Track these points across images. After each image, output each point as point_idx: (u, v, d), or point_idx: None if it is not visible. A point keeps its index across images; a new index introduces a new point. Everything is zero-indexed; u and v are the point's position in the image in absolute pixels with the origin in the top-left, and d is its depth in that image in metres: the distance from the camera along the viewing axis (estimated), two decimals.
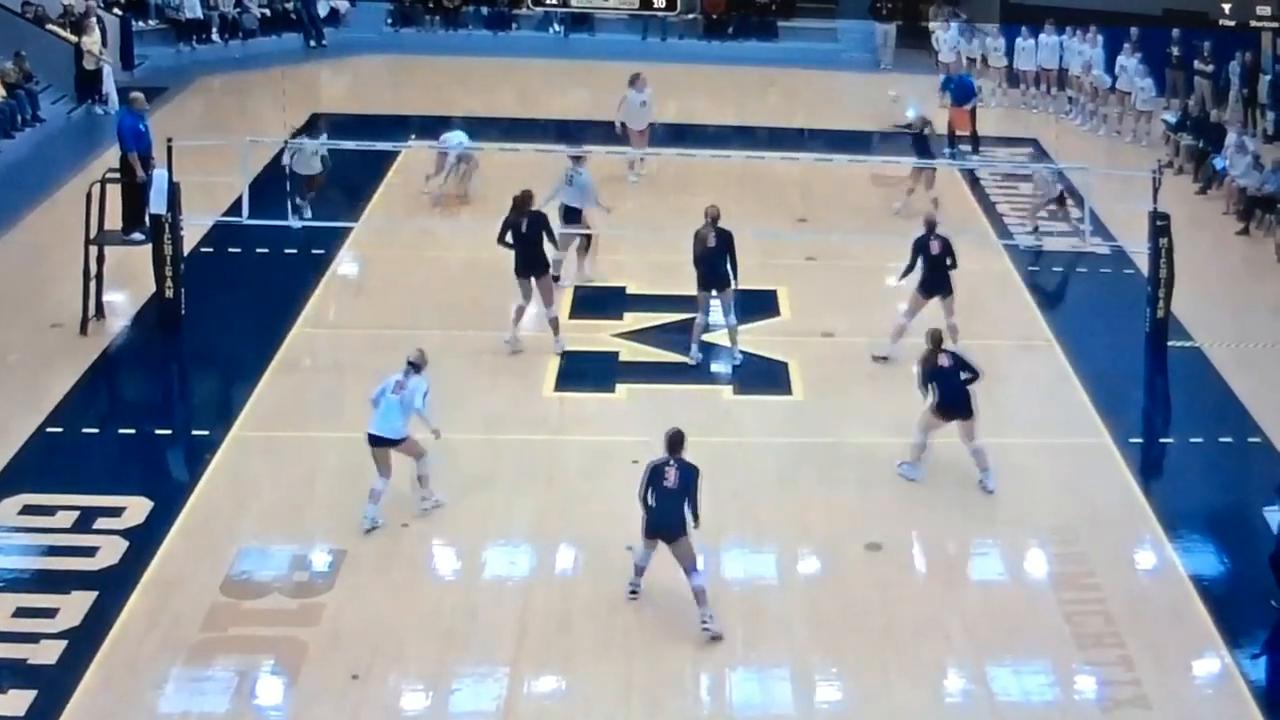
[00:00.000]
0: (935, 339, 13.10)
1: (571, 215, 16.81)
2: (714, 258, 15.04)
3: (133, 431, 13.80)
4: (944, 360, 12.91)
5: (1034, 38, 25.86)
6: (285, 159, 18.24)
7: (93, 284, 15.66)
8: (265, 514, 12.39)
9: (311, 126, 20.12)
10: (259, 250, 17.50)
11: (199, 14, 27.60)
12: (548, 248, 15.26)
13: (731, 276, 15.04)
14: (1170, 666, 10.83)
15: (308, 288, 16.99)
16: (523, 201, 15.18)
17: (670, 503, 10.87)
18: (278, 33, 28.61)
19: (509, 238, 15.11)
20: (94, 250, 15.70)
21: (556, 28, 29.47)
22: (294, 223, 17.45)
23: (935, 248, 15.22)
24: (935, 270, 15.18)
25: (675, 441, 11.08)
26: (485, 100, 25.48)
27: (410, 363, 12.28)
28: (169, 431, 14.01)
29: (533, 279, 15.08)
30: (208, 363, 15.54)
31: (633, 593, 11.27)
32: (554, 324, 15.29)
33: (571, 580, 11.70)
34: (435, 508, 12.40)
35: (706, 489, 12.62)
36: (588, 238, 17.06)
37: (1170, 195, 17.32)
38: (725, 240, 15.07)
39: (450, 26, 29.67)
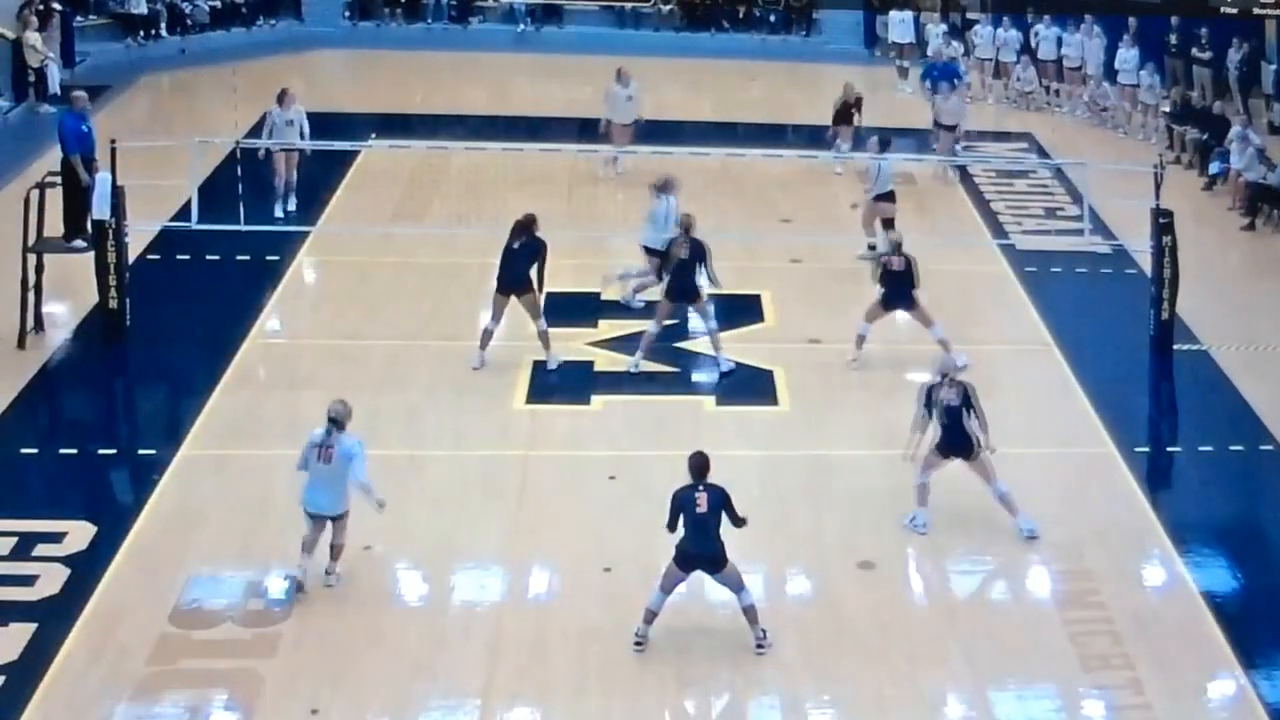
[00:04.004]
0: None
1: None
2: (687, 269, 15.12)
3: (74, 451, 13.64)
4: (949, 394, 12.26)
5: (1022, 29, 26.06)
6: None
7: (31, 294, 15.49)
8: (217, 538, 12.22)
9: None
10: (209, 257, 17.35)
11: (144, 9, 27.44)
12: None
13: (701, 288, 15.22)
14: (1182, 689, 10.77)
15: (262, 296, 16.87)
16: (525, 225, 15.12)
17: (705, 530, 10.77)
18: (228, 27, 28.50)
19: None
20: (32, 258, 15.54)
21: (524, 26, 29.41)
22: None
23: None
24: None
25: (700, 466, 10.93)
26: (450, 97, 25.40)
27: (331, 419, 11.23)
28: (113, 451, 13.86)
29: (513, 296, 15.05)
30: (155, 377, 15.39)
31: (639, 644, 10.86)
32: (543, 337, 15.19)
33: (545, 605, 11.59)
34: (334, 583, 11.48)
35: None
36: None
37: (1175, 190, 17.35)
38: (699, 251, 15.13)
39: (410, 19, 29.62)
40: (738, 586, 10.92)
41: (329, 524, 11.48)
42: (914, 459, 12.42)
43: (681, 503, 10.84)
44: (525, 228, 15.18)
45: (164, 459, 13.36)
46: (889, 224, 17.47)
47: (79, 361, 15.52)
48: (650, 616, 10.91)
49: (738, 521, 10.90)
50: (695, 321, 16.10)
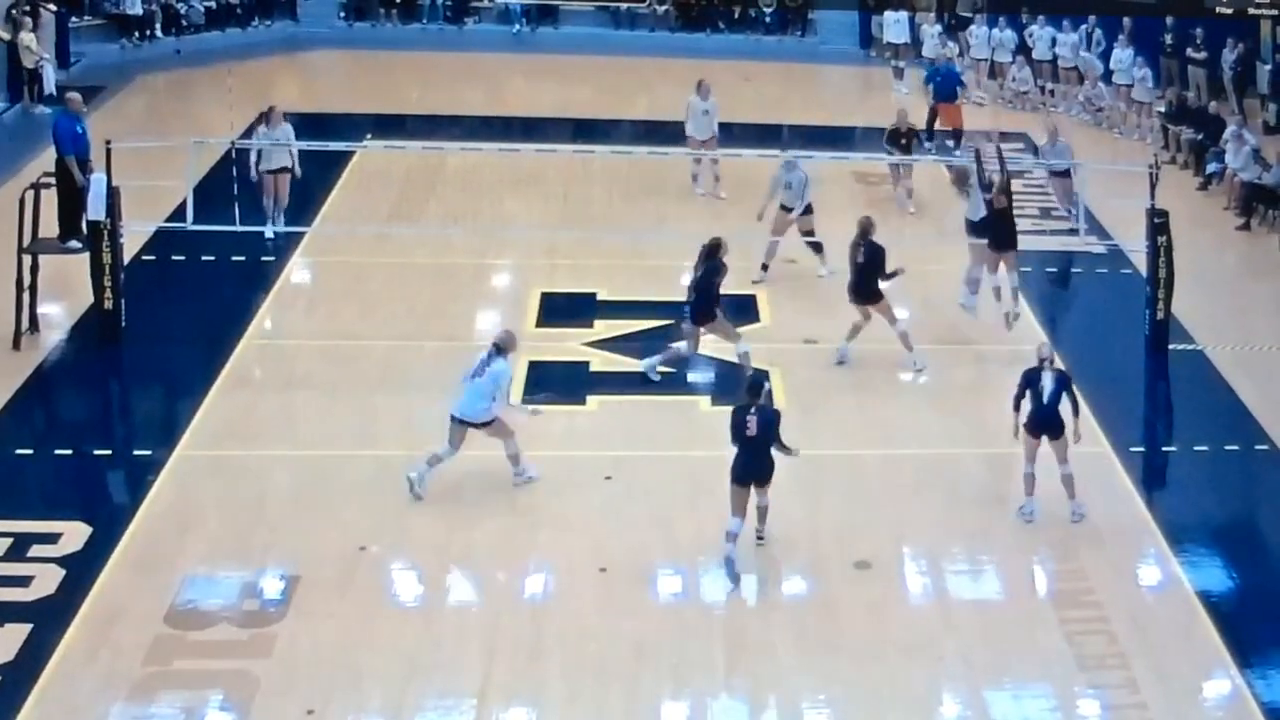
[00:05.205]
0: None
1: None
2: (865, 272, 15.22)
3: (70, 452, 13.60)
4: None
5: (1017, 30, 26.12)
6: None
7: (26, 295, 15.43)
8: (212, 539, 12.20)
9: None
10: (204, 258, 17.32)
11: (139, 10, 27.41)
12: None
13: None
14: (1178, 688, 10.77)
15: (257, 297, 16.83)
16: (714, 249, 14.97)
17: (754, 451, 11.76)
18: (223, 28, 28.49)
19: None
20: (28, 259, 15.48)
21: (519, 26, 29.41)
22: None
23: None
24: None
25: (755, 387, 12.02)
26: (446, 98, 25.39)
27: (495, 344, 12.64)
28: (109, 452, 13.81)
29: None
30: (150, 378, 15.33)
31: (730, 566, 11.71)
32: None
33: (541, 605, 11.57)
34: (528, 482, 12.88)
35: (684, 505, 12.69)
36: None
37: (1171, 190, 17.37)
38: (876, 255, 15.24)
39: (406, 20, 29.61)
40: (766, 500, 12.00)
41: (469, 431, 12.63)
42: (1017, 436, 12.74)
43: (735, 423, 11.83)
44: (711, 252, 14.91)
45: (159, 460, 13.32)
46: (809, 234, 17.25)
47: (74, 362, 15.47)
48: (732, 538, 11.74)
49: (784, 449, 11.84)
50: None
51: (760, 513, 12.00)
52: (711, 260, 14.89)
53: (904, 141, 20.01)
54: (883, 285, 15.31)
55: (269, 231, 17.97)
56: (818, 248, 17.49)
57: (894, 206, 19.61)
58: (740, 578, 11.70)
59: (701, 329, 14.88)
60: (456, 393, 12.67)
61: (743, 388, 12.29)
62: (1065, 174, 19.33)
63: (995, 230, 15.90)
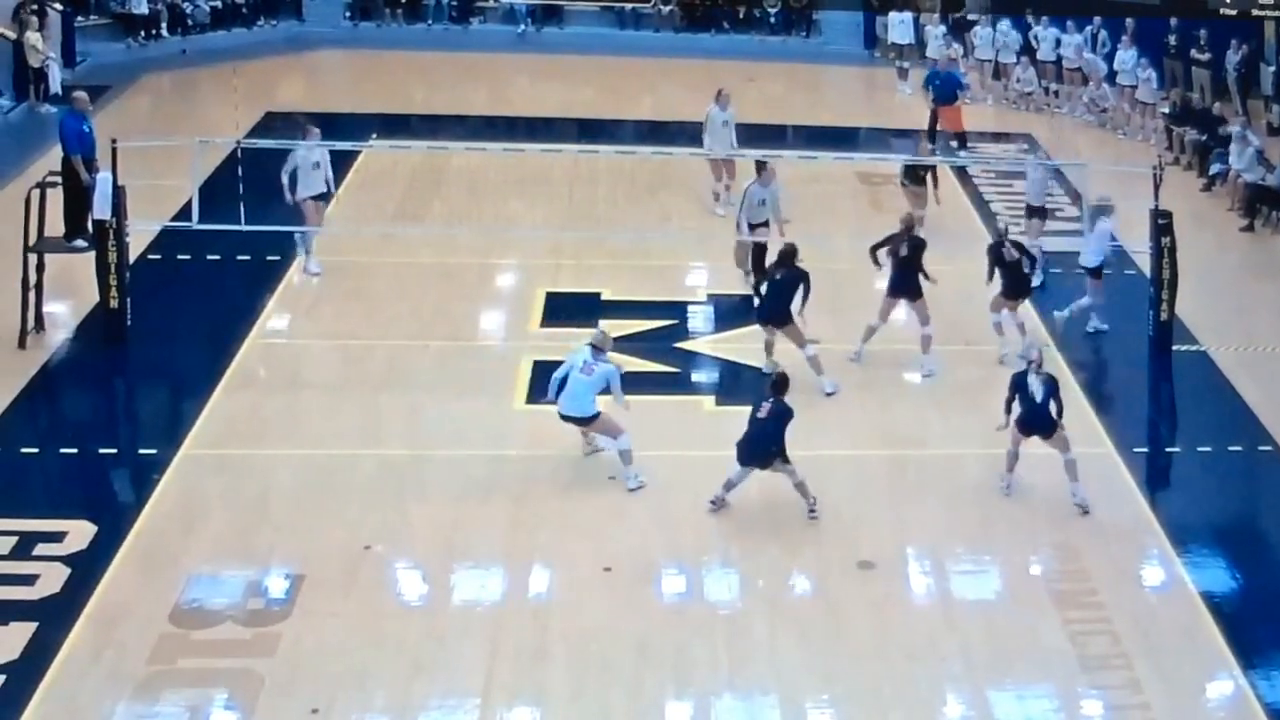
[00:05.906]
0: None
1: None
2: (908, 267, 15.34)
3: (75, 451, 13.61)
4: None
5: (1022, 31, 26.12)
6: None
7: (32, 294, 15.44)
8: (217, 538, 12.21)
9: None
10: (210, 257, 17.32)
11: (145, 9, 27.43)
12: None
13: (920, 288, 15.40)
14: (1181, 689, 10.77)
15: (263, 296, 16.83)
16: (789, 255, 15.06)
17: (757, 433, 12.43)
18: (228, 27, 28.51)
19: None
20: (33, 258, 15.49)
21: (524, 26, 29.42)
22: None
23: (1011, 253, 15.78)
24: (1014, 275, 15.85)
25: (777, 383, 12.75)
26: (451, 97, 25.40)
27: (593, 345, 13.05)
28: (114, 451, 13.82)
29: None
30: (155, 377, 15.34)
31: (714, 504, 12.57)
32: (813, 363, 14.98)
33: (545, 605, 11.57)
34: (639, 488, 12.93)
35: (688, 505, 12.62)
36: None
37: (1174, 192, 17.33)
38: (920, 250, 15.40)
39: (411, 20, 29.63)
40: (790, 473, 12.51)
41: (577, 424, 13.11)
42: (1003, 429, 13.11)
43: (754, 405, 12.62)
44: (787, 258, 14.99)
45: (164, 458, 13.33)
46: (760, 260, 16.72)
47: (80, 361, 15.47)
48: (729, 485, 12.57)
49: (779, 453, 12.41)
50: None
51: (800, 489, 12.55)
52: (787, 268, 14.90)
53: (922, 174, 19.55)
54: (923, 283, 15.38)
55: (314, 266, 17.38)
56: (759, 267, 16.87)
57: (896, 208, 19.54)
58: (721, 505, 12.61)
59: (775, 330, 14.95)
60: (565, 393, 13.01)
61: (768, 382, 12.96)
62: (1040, 211, 18.65)
63: (1014, 281, 15.81)
